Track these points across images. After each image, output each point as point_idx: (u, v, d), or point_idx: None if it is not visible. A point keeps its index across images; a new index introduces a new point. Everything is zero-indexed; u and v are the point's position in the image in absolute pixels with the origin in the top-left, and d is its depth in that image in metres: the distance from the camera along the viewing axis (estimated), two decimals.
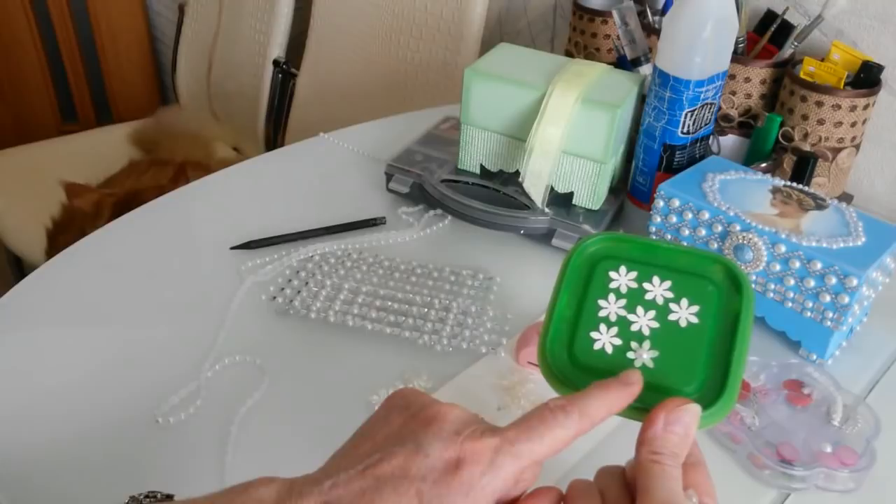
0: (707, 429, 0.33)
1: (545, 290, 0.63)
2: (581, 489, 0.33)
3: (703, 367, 0.34)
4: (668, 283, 0.36)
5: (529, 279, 0.64)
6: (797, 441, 0.48)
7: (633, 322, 0.35)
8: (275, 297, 0.60)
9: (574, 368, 0.35)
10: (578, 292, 0.37)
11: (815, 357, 0.56)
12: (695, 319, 0.35)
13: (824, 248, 0.53)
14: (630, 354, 0.35)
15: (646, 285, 0.36)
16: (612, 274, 0.37)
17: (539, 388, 0.52)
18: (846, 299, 0.52)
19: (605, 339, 0.35)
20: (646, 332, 0.35)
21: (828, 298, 0.53)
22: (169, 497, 0.35)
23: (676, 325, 0.35)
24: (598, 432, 0.49)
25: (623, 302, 0.36)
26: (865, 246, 0.54)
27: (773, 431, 0.48)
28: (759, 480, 0.47)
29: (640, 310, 0.36)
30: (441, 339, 0.56)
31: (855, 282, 0.52)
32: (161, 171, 1.17)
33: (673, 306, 0.36)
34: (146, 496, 0.34)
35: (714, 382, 0.33)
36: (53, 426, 0.49)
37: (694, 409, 0.32)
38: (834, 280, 0.52)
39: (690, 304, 0.35)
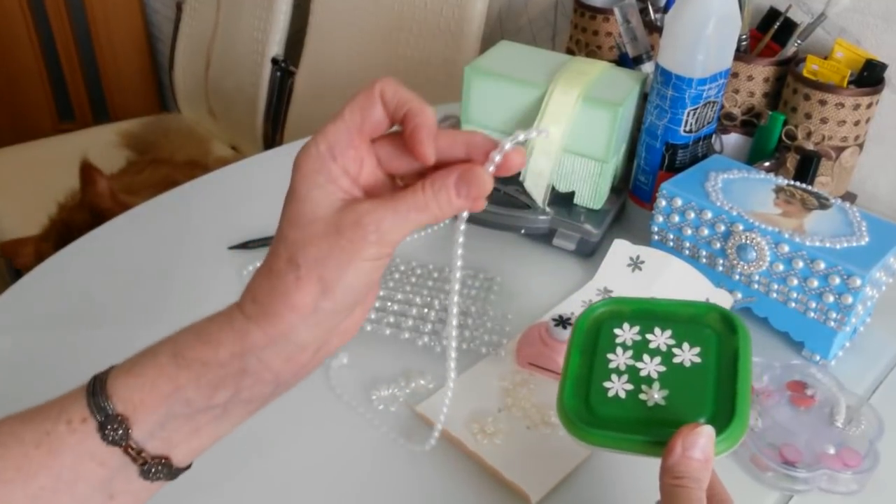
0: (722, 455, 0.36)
1: (546, 290, 0.63)
2: None
3: (711, 401, 0.36)
4: (668, 332, 0.40)
5: (530, 279, 0.64)
6: (800, 443, 0.47)
7: (642, 368, 0.38)
8: None
9: (592, 417, 0.37)
10: (588, 351, 0.40)
11: (818, 358, 0.56)
12: (697, 359, 0.38)
13: (828, 248, 0.53)
14: (642, 396, 0.37)
15: (648, 336, 0.40)
16: (617, 331, 0.40)
17: (539, 388, 0.52)
18: (850, 299, 0.52)
19: (617, 387, 0.38)
20: (654, 375, 0.38)
21: (831, 299, 0.53)
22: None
23: (681, 366, 0.38)
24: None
25: (630, 353, 0.39)
26: (869, 246, 0.53)
27: (776, 433, 0.48)
28: (762, 482, 0.47)
29: (646, 357, 0.39)
30: (441, 339, 0.55)
31: (858, 282, 0.51)
32: (157, 170, 1.17)
33: (676, 350, 0.39)
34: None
35: (724, 413, 0.35)
36: None
37: (707, 430, 0.34)
38: (837, 280, 0.52)
39: (692, 347, 0.39)
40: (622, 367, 0.39)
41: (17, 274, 1.30)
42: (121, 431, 0.30)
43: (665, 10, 0.77)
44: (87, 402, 0.30)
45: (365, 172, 0.31)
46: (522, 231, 0.66)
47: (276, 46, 1.32)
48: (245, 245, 0.65)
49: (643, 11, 0.74)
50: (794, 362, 0.54)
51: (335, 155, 0.30)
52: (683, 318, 0.40)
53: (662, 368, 0.38)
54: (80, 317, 0.58)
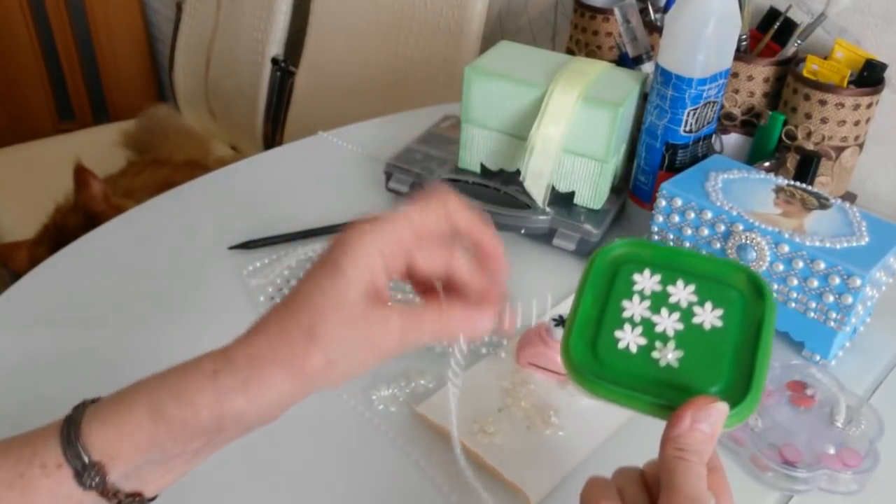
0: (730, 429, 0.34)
1: (546, 290, 0.63)
2: (599, 486, 0.33)
3: (727, 369, 0.34)
4: (691, 287, 0.36)
5: (530, 279, 0.64)
6: (800, 443, 0.47)
7: (657, 323, 0.36)
8: (273, 298, 0.59)
9: (597, 366, 0.35)
10: (602, 293, 0.37)
11: (818, 358, 0.56)
12: (719, 322, 0.35)
13: (828, 248, 0.53)
14: (655, 354, 0.35)
15: (669, 288, 0.37)
16: (636, 276, 0.37)
17: (540, 389, 0.52)
18: (850, 299, 0.52)
19: (629, 339, 0.35)
20: (670, 333, 0.35)
21: (831, 299, 0.53)
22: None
23: (700, 327, 0.35)
24: (609, 427, 0.49)
25: (647, 303, 0.36)
26: (869, 246, 0.53)
27: (776, 433, 0.48)
28: (762, 482, 0.47)
29: (664, 311, 0.36)
30: (441, 340, 0.55)
31: (858, 282, 0.51)
32: (158, 171, 1.17)
33: (697, 309, 0.36)
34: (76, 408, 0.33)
35: (738, 383, 0.34)
36: None
37: (722, 407, 0.32)
38: (837, 280, 0.52)
39: (714, 308, 0.36)
40: (637, 319, 0.36)
41: (16, 275, 1.30)
42: (97, 479, 0.30)
43: (665, 10, 0.77)
44: (62, 450, 0.30)
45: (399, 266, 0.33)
46: (522, 231, 0.66)
47: (276, 46, 1.32)
48: (245, 245, 0.65)
49: (643, 11, 0.74)
50: (794, 362, 0.54)
51: (385, 253, 0.32)
52: (708, 275, 0.37)
53: (680, 326, 0.35)
54: (80, 318, 0.58)
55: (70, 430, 0.31)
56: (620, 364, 0.35)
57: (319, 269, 0.31)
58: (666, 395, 0.33)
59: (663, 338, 0.35)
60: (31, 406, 0.50)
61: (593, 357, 0.35)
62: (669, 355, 0.35)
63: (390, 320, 0.31)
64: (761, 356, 0.34)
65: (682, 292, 0.36)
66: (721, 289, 0.36)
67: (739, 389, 0.33)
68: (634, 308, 0.36)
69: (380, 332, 0.31)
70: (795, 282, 0.54)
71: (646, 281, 0.37)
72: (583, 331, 0.36)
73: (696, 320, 0.36)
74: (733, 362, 0.34)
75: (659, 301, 0.36)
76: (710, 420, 0.32)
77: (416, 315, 0.32)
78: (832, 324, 0.54)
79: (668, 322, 0.36)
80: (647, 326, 0.36)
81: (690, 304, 0.36)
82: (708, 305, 0.36)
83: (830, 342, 0.55)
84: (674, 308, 0.36)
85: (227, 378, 0.30)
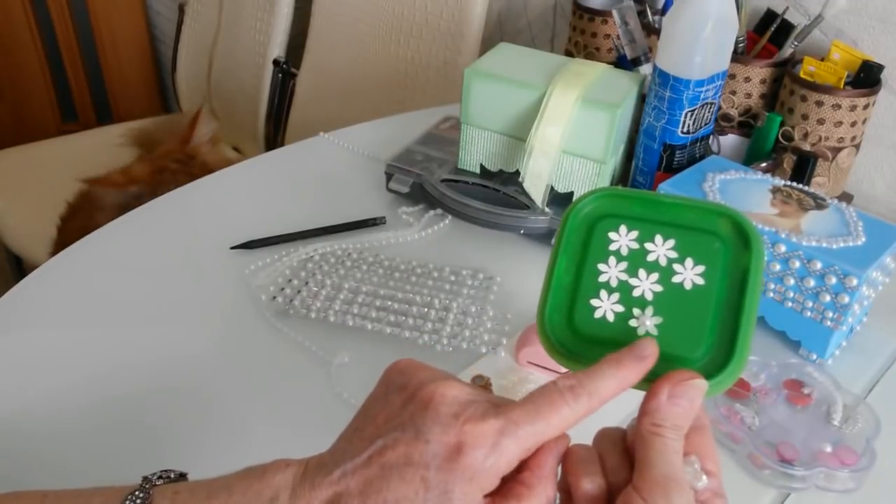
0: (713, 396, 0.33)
1: None
2: (581, 455, 0.32)
3: (710, 332, 0.32)
4: (671, 242, 0.34)
5: (529, 279, 0.64)
6: (797, 441, 0.48)
7: (636, 287, 0.34)
8: (275, 297, 0.60)
9: (575, 339, 0.33)
10: (577, 256, 0.35)
11: (815, 357, 0.56)
12: (700, 281, 0.33)
13: (824, 248, 0.53)
14: (633, 322, 0.33)
15: (648, 245, 0.34)
16: (612, 235, 0.35)
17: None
18: (846, 299, 0.52)
19: (606, 307, 0.33)
20: (649, 296, 0.33)
21: (828, 298, 0.53)
22: (183, 476, 0.34)
23: (681, 287, 0.33)
24: (608, 423, 0.49)
25: (624, 265, 0.34)
26: (865, 246, 0.54)
27: (773, 431, 0.48)
28: (759, 480, 0.48)
29: (642, 273, 0.34)
30: (441, 338, 0.56)
31: (855, 281, 0.52)
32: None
33: (677, 267, 0.34)
34: (159, 476, 0.33)
35: (722, 347, 0.32)
36: (52, 426, 0.49)
37: (700, 384, 0.31)
38: (834, 280, 0.52)
39: (696, 264, 0.33)
40: (613, 283, 0.34)
41: (21, 272, 1.31)
42: None
43: (663, 12, 0.77)
44: None
45: None
46: (522, 231, 0.67)
47: (277, 48, 1.33)
48: (247, 245, 0.65)
49: (641, 13, 0.75)
50: (791, 361, 0.54)
51: (510, 469, 0.30)
52: (690, 225, 0.34)
53: (659, 288, 0.33)
54: (84, 316, 0.58)
55: None
56: (598, 333, 0.33)
57: (451, 459, 0.29)
58: None
59: (641, 303, 0.33)
60: (32, 406, 0.51)
61: (570, 330, 0.33)
62: (648, 322, 0.33)
63: None
64: (746, 315, 0.32)
65: (660, 249, 0.34)
66: (703, 241, 0.34)
67: (723, 353, 0.31)
68: (611, 271, 0.34)
69: None
70: (792, 281, 0.55)
71: (622, 239, 0.35)
72: (558, 301, 0.34)
73: (675, 279, 0.33)
74: (716, 324, 0.32)
75: (636, 261, 0.34)
76: (688, 395, 0.30)
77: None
78: (829, 323, 0.54)
79: (646, 284, 0.33)
80: (625, 291, 0.33)
81: (670, 262, 0.34)
82: (689, 262, 0.33)
83: (827, 341, 0.55)
84: (652, 268, 0.34)
85: None
